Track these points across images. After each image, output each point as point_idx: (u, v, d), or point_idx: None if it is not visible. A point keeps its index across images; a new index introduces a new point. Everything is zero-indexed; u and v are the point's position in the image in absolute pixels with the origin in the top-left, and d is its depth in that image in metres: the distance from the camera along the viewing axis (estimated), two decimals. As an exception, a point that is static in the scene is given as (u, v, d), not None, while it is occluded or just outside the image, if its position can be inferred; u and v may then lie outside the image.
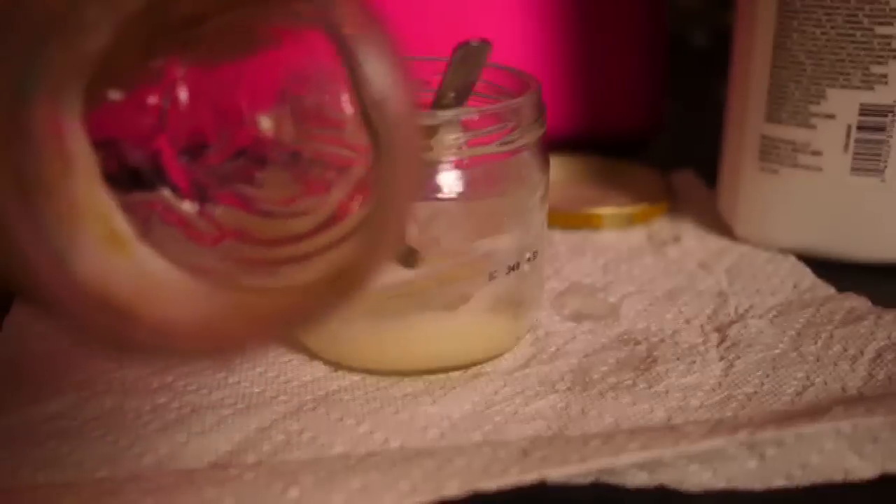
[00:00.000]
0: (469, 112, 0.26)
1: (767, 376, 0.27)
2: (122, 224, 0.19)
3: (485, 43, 0.25)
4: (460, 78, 0.26)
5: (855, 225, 0.35)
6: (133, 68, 0.22)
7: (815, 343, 0.29)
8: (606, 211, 0.40)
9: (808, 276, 0.35)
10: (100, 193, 0.19)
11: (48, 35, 0.16)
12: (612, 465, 0.23)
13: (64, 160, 0.18)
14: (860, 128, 0.33)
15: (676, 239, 0.39)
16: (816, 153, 0.34)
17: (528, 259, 0.28)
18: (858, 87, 0.33)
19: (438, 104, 0.27)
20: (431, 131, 0.25)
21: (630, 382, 0.27)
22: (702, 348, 0.29)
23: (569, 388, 0.27)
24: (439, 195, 0.26)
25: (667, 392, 0.27)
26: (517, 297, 0.28)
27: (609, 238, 0.39)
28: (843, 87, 0.33)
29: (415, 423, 0.25)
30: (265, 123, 0.24)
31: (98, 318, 0.18)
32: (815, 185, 0.35)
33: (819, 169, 0.35)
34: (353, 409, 0.26)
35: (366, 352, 0.28)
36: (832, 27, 0.33)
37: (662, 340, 0.30)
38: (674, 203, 0.42)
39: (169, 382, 0.27)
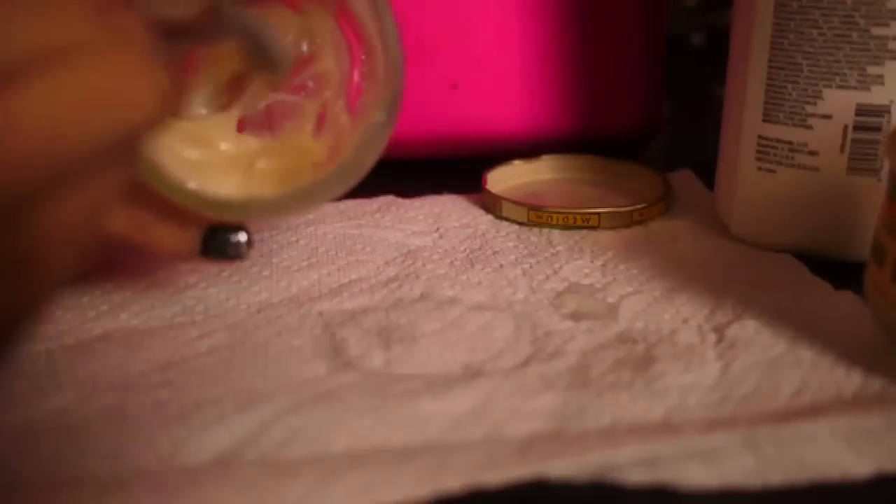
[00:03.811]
0: None
1: (765, 377, 0.28)
2: None
3: None
4: None
5: (851, 224, 0.35)
6: None
7: (811, 348, 0.29)
8: (605, 211, 0.40)
9: (804, 274, 0.35)
10: None
11: None
12: (611, 459, 0.23)
13: None
14: (856, 128, 0.33)
15: (675, 239, 0.39)
16: (813, 153, 0.35)
17: None
18: (855, 88, 0.33)
19: None
20: None
21: (628, 381, 0.28)
22: (699, 348, 0.30)
23: (568, 387, 0.27)
24: None
25: (665, 391, 0.27)
26: None
27: (608, 238, 0.39)
28: (840, 87, 0.33)
29: (415, 420, 0.25)
30: None
31: None
32: (812, 184, 0.35)
33: (816, 169, 0.35)
34: (354, 406, 0.26)
35: None
36: (829, 28, 0.33)
37: (661, 340, 0.30)
38: (672, 203, 0.43)
39: (170, 378, 0.28)
